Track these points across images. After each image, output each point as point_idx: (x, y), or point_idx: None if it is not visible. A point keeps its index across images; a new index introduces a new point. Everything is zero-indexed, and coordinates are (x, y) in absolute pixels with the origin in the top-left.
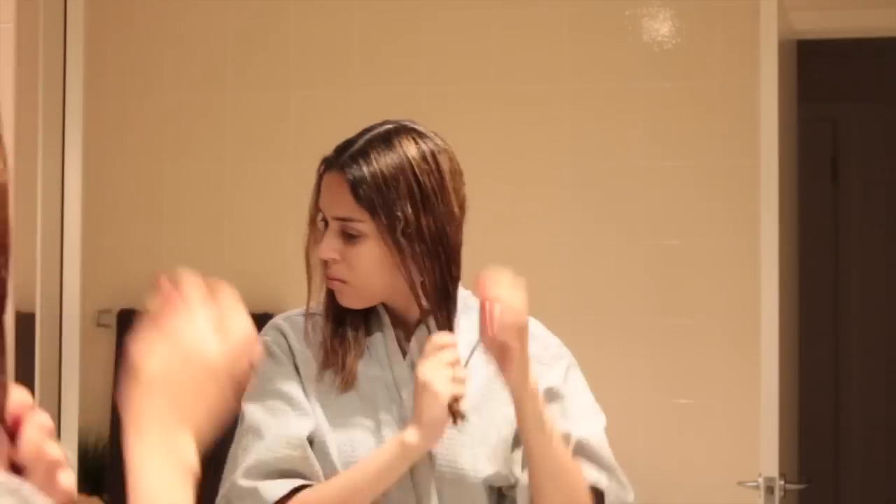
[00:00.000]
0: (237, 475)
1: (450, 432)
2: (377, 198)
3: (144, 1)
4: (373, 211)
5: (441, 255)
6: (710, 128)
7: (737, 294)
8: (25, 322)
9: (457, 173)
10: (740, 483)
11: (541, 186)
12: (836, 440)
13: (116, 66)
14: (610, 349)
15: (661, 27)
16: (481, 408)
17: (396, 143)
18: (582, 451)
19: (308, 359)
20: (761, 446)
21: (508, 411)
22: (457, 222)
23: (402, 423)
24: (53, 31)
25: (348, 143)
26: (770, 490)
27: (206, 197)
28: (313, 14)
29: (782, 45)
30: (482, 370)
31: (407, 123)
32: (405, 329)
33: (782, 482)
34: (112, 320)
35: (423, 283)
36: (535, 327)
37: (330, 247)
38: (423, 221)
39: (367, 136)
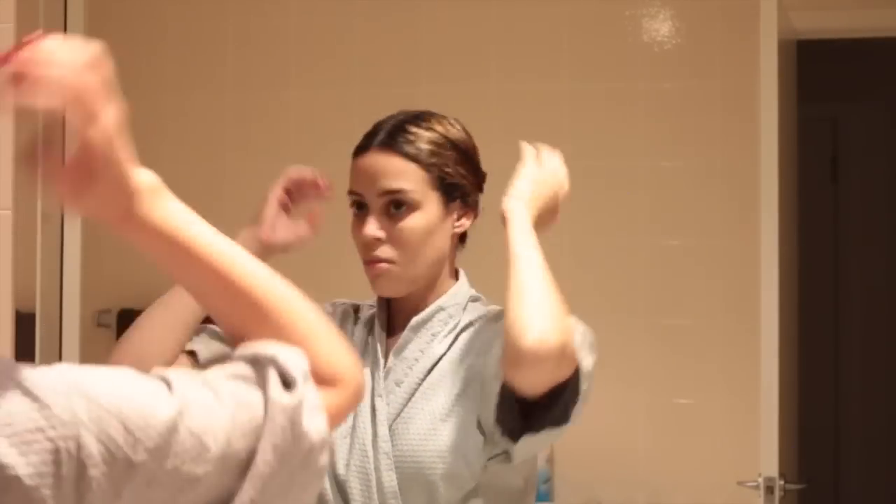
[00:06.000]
0: None
1: (408, 430)
2: (428, 156)
3: (144, 1)
4: (428, 166)
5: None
6: (710, 128)
7: (737, 294)
8: (25, 322)
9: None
10: (740, 483)
11: None
12: (836, 440)
13: (116, 66)
14: (610, 349)
15: (661, 27)
16: (425, 401)
17: (424, 120)
18: None
19: None
20: (761, 446)
21: (443, 404)
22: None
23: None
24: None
25: (376, 130)
26: (770, 490)
27: (206, 197)
28: (313, 14)
29: (782, 45)
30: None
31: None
32: (400, 332)
33: (782, 482)
34: (112, 320)
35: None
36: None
37: (375, 226)
38: (470, 178)
39: (393, 122)
